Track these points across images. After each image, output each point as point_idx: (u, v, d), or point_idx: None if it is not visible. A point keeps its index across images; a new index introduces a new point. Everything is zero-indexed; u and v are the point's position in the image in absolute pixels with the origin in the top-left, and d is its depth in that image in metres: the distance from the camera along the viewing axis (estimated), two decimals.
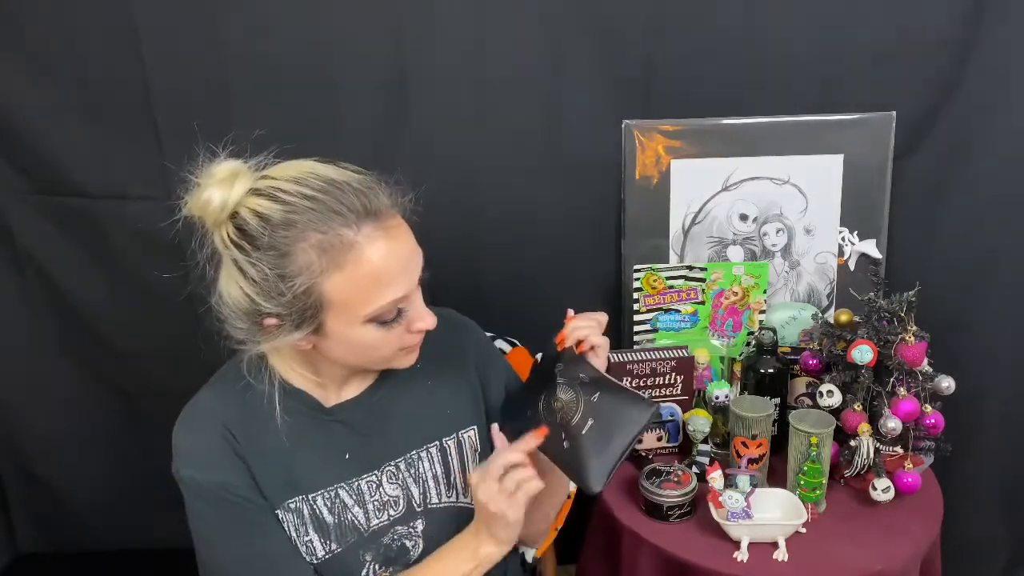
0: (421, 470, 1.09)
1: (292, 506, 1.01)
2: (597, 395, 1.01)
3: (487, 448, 1.12)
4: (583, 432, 1.00)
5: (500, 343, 1.52)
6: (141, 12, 1.43)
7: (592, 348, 1.07)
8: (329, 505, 1.03)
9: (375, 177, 0.95)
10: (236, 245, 0.90)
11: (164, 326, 1.62)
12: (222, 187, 0.89)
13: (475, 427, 1.14)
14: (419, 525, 1.08)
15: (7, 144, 1.52)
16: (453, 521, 1.09)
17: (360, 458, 1.05)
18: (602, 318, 1.09)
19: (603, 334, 1.08)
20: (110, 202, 1.54)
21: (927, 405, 1.34)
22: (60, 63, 1.46)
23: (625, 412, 1.00)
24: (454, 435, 1.12)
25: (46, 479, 1.75)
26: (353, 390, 1.07)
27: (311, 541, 1.02)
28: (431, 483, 1.09)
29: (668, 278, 1.57)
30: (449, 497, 1.11)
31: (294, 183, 0.90)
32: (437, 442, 1.10)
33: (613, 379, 1.04)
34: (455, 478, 1.11)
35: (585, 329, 1.07)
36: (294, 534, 1.01)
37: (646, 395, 1.26)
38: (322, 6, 1.44)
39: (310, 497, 1.02)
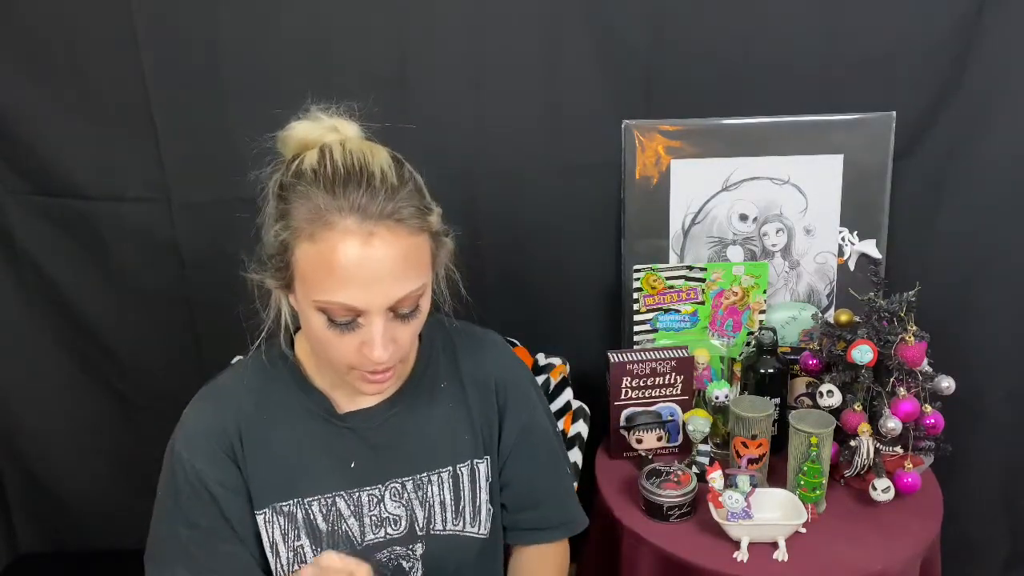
0: (430, 494, 1.05)
1: (285, 509, 1.00)
2: None
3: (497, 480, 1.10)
4: None
5: None
6: (141, 12, 1.43)
7: None
8: (324, 512, 1.01)
9: (414, 190, 0.90)
10: (281, 176, 0.92)
11: (162, 328, 1.62)
12: (305, 128, 0.92)
13: (489, 457, 1.09)
14: (419, 549, 1.05)
15: (7, 144, 1.51)
16: (455, 549, 1.06)
17: (366, 470, 1.02)
18: None
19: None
20: (109, 203, 1.53)
21: (927, 405, 1.34)
22: (60, 63, 1.46)
23: None
24: (468, 462, 1.07)
25: (46, 479, 1.75)
26: (369, 399, 1.03)
27: (302, 546, 1.00)
28: (438, 508, 1.05)
29: (668, 278, 1.57)
30: (456, 525, 1.06)
31: (346, 152, 0.89)
32: (450, 467, 1.06)
33: None
34: (464, 506, 1.06)
35: None
36: (280, 539, 0.99)
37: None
38: (322, 6, 1.44)
39: (305, 501, 1.00)
